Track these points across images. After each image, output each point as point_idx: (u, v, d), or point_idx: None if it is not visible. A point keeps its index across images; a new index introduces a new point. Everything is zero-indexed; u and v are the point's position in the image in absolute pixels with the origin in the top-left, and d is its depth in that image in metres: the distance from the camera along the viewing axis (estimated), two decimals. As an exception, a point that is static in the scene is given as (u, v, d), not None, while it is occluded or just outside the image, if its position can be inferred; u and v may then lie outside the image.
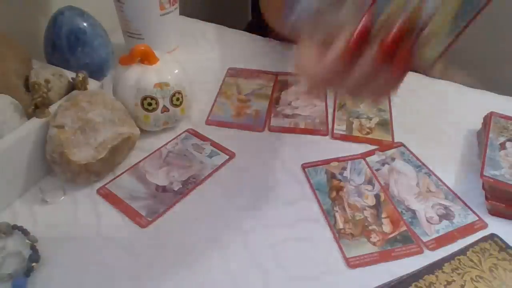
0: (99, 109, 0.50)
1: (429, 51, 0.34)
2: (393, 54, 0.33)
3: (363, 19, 0.33)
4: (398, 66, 0.34)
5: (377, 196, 0.50)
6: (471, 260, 0.43)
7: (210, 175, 0.52)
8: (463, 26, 0.33)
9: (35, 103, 0.48)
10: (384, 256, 0.44)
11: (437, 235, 0.46)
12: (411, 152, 0.56)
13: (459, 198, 0.50)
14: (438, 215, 0.48)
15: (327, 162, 0.54)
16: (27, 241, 0.44)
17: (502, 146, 0.52)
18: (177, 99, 0.55)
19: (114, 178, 0.51)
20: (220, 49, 0.75)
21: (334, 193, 0.50)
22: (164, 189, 0.50)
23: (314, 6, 0.35)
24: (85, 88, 0.53)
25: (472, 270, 0.42)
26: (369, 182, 0.52)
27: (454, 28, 0.33)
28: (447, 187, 0.51)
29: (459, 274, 0.42)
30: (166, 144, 0.56)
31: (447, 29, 0.33)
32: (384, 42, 0.32)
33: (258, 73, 0.69)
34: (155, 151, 0.55)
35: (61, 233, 0.45)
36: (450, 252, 0.44)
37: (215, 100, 0.64)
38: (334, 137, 0.58)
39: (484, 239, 0.45)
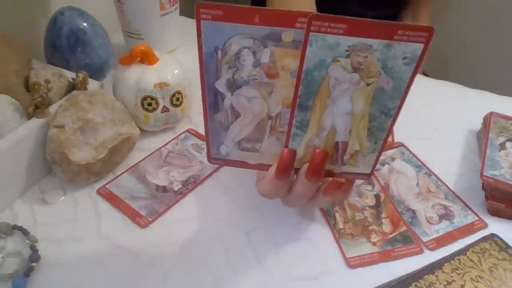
0: (99, 109, 0.50)
1: (361, 165, 0.38)
2: (320, 172, 0.37)
3: (283, 153, 0.37)
4: (332, 184, 0.39)
5: (377, 196, 0.50)
6: (471, 260, 0.43)
7: (210, 175, 0.52)
8: (384, 135, 0.36)
9: (35, 103, 0.48)
10: (384, 256, 0.44)
11: (437, 235, 0.46)
12: (411, 152, 0.56)
13: (459, 198, 0.50)
14: (438, 215, 0.48)
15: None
16: (27, 241, 0.44)
17: (502, 146, 0.52)
18: (177, 99, 0.55)
19: (114, 178, 0.51)
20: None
21: (334, 193, 0.50)
22: (164, 189, 0.50)
23: (236, 152, 0.39)
24: (85, 88, 0.53)
25: (472, 270, 0.42)
26: (369, 182, 0.52)
27: (375, 140, 0.36)
28: (447, 187, 0.52)
29: (459, 274, 0.42)
30: (166, 144, 0.56)
31: (368, 146, 0.36)
32: (310, 164, 0.37)
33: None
34: (155, 151, 0.55)
35: (61, 233, 0.45)
36: (450, 252, 0.44)
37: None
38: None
39: (484, 239, 0.45)
